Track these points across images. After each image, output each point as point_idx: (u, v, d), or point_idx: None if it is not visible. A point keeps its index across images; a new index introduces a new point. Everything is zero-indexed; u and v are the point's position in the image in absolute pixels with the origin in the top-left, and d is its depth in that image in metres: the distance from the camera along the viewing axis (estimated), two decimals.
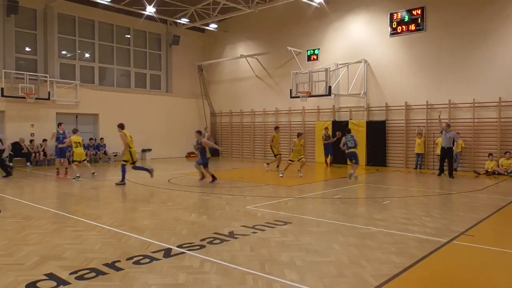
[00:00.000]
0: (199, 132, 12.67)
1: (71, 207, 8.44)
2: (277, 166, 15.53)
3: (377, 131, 17.75)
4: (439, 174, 14.03)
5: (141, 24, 21.42)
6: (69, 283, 4.26)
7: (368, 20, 18.33)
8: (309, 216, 7.59)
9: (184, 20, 21.84)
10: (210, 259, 5.02)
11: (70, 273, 4.52)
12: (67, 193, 10.49)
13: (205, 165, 12.42)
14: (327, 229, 6.64)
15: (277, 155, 15.80)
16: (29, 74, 17.75)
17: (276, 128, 16.42)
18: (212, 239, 5.94)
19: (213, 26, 23.22)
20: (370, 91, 18.28)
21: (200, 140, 12.50)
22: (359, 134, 18.07)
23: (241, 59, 22.72)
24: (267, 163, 15.88)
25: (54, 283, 4.26)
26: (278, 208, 8.35)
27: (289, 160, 14.12)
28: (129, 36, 22.29)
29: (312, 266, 4.80)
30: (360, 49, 18.36)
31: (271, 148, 16.13)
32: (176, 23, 22.86)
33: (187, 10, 21.09)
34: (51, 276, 4.44)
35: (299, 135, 14.05)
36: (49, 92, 18.32)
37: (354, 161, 12.97)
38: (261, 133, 22.26)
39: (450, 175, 13.60)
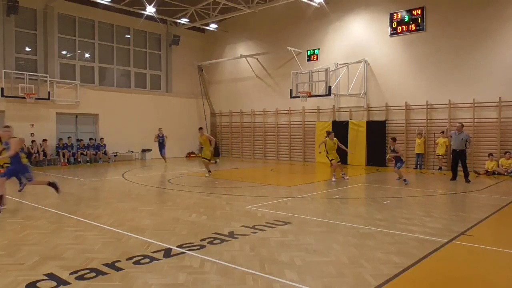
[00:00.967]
0: (7, 127, 8.70)
1: (71, 207, 8.43)
2: (209, 171, 14.09)
3: (377, 131, 17.73)
4: (453, 179, 12.82)
5: (141, 24, 21.40)
6: (69, 283, 4.27)
7: (368, 20, 18.33)
8: (309, 216, 7.58)
9: (184, 20, 21.84)
10: (210, 259, 5.03)
11: (70, 273, 4.53)
12: (66, 193, 10.48)
13: (9, 175, 8.55)
14: (327, 229, 6.65)
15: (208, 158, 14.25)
16: (29, 74, 17.73)
17: (200, 128, 15.00)
18: (212, 239, 5.94)
19: (213, 26, 23.21)
20: (370, 91, 18.27)
21: (6, 139, 8.48)
22: (359, 134, 18.12)
23: (241, 59, 22.71)
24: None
25: (54, 283, 4.27)
26: (278, 208, 8.34)
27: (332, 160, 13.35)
28: (129, 36, 22.28)
29: (312, 266, 4.80)
30: (360, 49, 18.35)
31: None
32: (176, 23, 22.84)
33: (187, 10, 21.09)
34: (51, 276, 4.45)
35: (328, 133, 13.22)
36: (49, 92, 18.31)
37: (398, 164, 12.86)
38: (261, 133, 22.27)
39: (466, 178, 12.50)
